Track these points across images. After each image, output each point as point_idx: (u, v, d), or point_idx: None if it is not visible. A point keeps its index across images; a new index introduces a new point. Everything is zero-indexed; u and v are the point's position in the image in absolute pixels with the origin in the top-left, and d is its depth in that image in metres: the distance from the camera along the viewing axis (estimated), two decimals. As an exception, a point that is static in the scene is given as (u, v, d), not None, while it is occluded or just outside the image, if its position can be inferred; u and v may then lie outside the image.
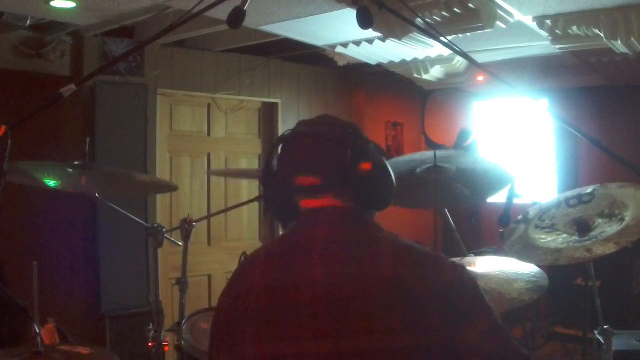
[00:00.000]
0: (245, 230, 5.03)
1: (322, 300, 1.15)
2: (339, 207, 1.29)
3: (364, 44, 3.87)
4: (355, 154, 1.30)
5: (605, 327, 2.24)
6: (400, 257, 1.18)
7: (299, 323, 1.15)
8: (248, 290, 1.22)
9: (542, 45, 3.88)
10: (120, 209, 2.69)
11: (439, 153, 2.44)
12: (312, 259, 1.20)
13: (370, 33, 3.54)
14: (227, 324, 1.23)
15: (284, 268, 1.21)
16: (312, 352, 1.12)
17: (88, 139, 2.56)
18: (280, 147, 1.35)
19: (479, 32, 3.23)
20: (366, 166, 1.30)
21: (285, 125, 5.15)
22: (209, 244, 4.83)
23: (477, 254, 2.72)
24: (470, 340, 1.14)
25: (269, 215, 1.41)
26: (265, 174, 1.38)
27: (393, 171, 1.35)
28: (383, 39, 3.66)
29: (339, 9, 3.13)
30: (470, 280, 1.21)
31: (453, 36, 3.30)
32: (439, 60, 4.41)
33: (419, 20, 2.88)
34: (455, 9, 3.05)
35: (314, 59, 5.04)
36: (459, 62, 4.54)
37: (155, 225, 2.62)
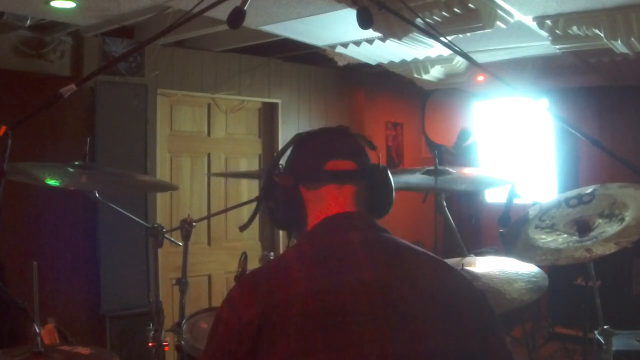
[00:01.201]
0: (245, 230, 5.01)
1: (378, 303, 1.12)
2: (357, 212, 1.26)
3: (364, 44, 3.87)
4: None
5: (605, 327, 2.24)
6: (435, 264, 1.23)
7: (360, 327, 1.10)
8: (287, 297, 1.11)
9: (542, 45, 3.88)
10: (120, 209, 2.68)
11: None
12: (360, 262, 1.16)
13: (370, 33, 3.54)
14: (258, 333, 1.10)
15: (330, 272, 1.15)
16: (376, 354, 1.08)
17: (88, 139, 2.56)
18: (299, 142, 1.33)
19: (479, 32, 3.23)
20: (383, 168, 1.34)
21: (285, 125, 5.15)
22: (209, 244, 4.83)
23: (477, 254, 2.72)
24: (493, 348, 1.19)
25: (277, 222, 1.36)
26: (273, 172, 1.33)
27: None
28: (383, 39, 3.66)
29: (339, 9, 3.13)
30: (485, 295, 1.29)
31: (453, 36, 3.30)
32: (439, 60, 4.40)
33: (419, 20, 2.88)
34: (455, 9, 3.05)
35: (314, 59, 5.04)
36: (459, 62, 4.54)
37: (155, 225, 2.62)
